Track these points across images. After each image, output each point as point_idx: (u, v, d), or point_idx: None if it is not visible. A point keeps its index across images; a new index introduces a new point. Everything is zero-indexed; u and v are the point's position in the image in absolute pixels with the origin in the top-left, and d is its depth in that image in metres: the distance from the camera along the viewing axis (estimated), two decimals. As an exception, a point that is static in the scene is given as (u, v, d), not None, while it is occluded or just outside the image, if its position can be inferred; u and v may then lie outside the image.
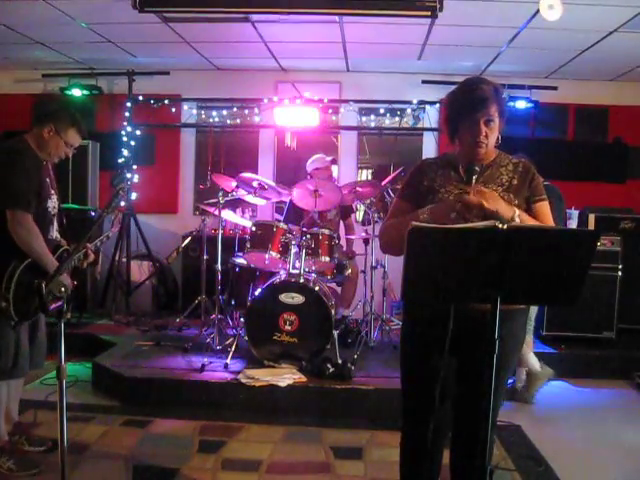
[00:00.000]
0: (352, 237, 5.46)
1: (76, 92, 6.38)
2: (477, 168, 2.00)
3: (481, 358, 1.80)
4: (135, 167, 6.32)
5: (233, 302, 4.91)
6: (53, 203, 2.98)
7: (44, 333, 3.11)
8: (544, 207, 2.14)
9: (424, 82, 6.26)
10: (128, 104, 6.31)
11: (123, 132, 6.30)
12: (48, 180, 2.97)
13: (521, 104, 6.09)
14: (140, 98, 6.32)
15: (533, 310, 4.14)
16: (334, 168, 5.74)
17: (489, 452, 2.14)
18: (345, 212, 5.47)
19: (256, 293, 4.34)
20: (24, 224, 2.74)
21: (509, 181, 2.11)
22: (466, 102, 2.06)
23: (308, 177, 5.09)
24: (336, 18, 4.79)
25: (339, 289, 5.35)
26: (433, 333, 2.09)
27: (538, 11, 4.12)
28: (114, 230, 3.55)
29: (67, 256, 2.95)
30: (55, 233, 3.03)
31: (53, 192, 3.00)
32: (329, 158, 5.35)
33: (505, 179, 2.12)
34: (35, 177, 2.83)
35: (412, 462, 2.31)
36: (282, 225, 4.49)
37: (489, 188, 2.08)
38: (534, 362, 4.12)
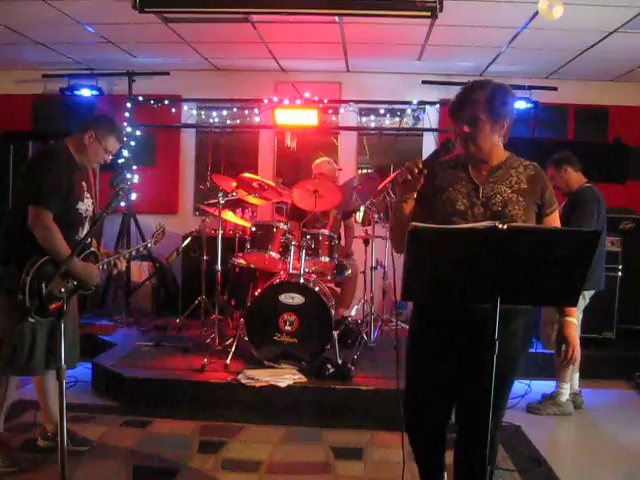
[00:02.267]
0: (354, 237, 5.47)
1: (76, 92, 6.38)
2: (443, 152, 2.13)
3: (483, 359, 1.82)
4: (135, 167, 6.32)
5: (233, 302, 4.91)
6: (86, 206, 3.04)
7: (74, 332, 3.10)
8: (554, 219, 2.20)
9: (424, 82, 6.25)
10: (128, 104, 6.30)
11: (123, 132, 6.29)
12: (84, 184, 3.04)
13: (521, 104, 6.08)
14: (140, 98, 6.31)
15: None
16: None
17: (493, 453, 2.16)
18: (346, 212, 5.47)
19: (256, 293, 4.34)
20: (43, 221, 2.81)
21: (518, 183, 2.14)
22: (452, 104, 2.18)
23: (313, 177, 5.10)
24: (336, 18, 4.79)
25: (339, 289, 5.35)
26: (442, 334, 2.16)
27: (538, 11, 4.12)
28: (155, 243, 3.55)
29: (93, 259, 3.04)
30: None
31: (89, 195, 3.07)
32: (337, 166, 5.37)
33: (514, 181, 2.15)
34: (64, 178, 2.90)
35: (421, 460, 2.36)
36: (282, 225, 4.50)
37: (499, 188, 2.13)
38: (566, 391, 4.07)
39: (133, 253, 3.37)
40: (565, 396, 4.07)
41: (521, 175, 2.16)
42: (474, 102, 2.09)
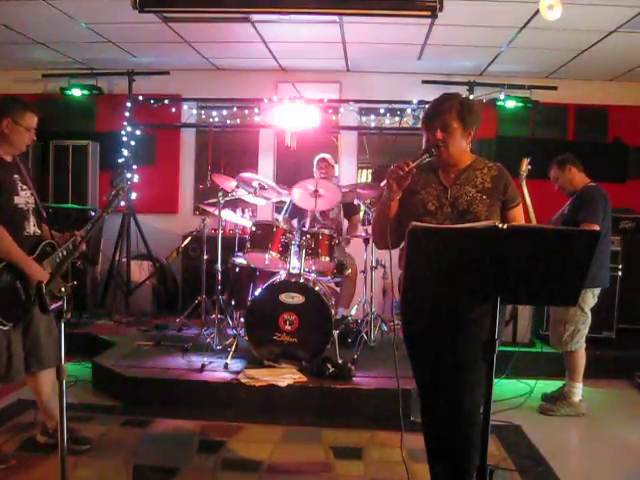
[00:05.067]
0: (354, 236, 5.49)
1: (76, 92, 6.39)
2: (427, 158, 2.30)
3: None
4: (135, 167, 6.32)
5: (233, 302, 4.91)
6: (25, 199, 2.94)
7: (49, 332, 3.03)
8: (517, 212, 2.42)
9: (424, 82, 6.25)
10: (128, 104, 6.30)
11: (123, 132, 6.30)
12: (17, 176, 2.93)
13: (521, 104, 6.08)
14: (140, 98, 6.31)
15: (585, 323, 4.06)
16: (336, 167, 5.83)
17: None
18: (348, 211, 5.48)
19: (256, 293, 4.34)
20: None
21: (482, 183, 2.36)
22: (425, 115, 2.41)
23: (315, 169, 5.32)
24: (336, 18, 4.79)
25: (339, 289, 5.34)
26: (423, 328, 2.39)
27: (538, 11, 4.12)
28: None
29: (50, 250, 2.95)
30: (33, 228, 2.98)
31: (25, 187, 2.96)
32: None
33: (479, 181, 2.37)
34: None
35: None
36: (282, 225, 4.50)
37: (465, 189, 2.34)
38: (579, 391, 4.07)
39: (89, 227, 3.02)
40: (578, 396, 4.05)
41: (485, 176, 2.37)
42: (446, 111, 2.32)
